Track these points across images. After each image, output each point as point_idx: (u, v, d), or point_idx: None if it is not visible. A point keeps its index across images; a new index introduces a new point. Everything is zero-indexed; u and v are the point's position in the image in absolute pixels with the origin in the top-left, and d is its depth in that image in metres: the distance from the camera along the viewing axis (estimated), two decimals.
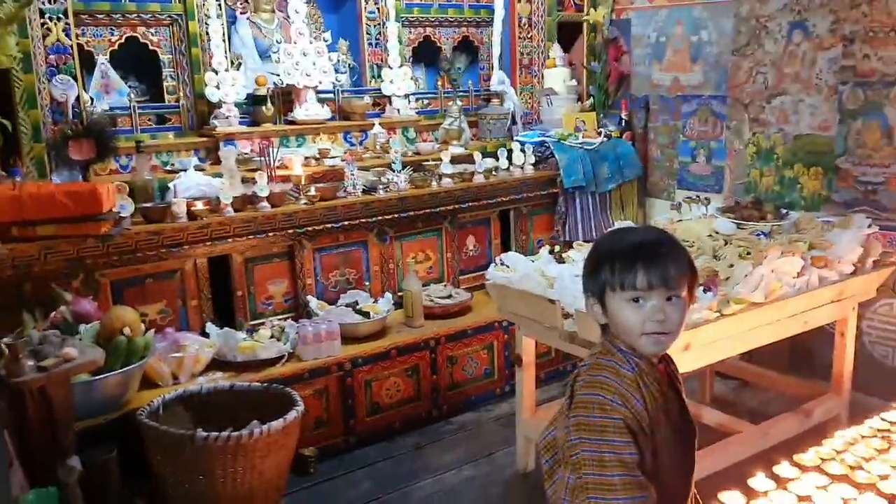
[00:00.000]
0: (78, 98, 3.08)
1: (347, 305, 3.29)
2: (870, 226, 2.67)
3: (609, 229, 1.35)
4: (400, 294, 3.45)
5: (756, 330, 2.32)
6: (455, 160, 3.81)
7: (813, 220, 2.72)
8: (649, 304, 1.22)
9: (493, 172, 3.85)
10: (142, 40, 3.47)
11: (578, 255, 2.71)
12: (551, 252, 2.84)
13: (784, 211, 2.88)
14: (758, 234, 2.54)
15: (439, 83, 4.61)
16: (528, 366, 2.80)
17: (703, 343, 2.15)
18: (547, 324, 2.46)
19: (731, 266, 2.27)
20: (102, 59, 3.41)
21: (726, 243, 2.43)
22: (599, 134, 4.16)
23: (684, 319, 1.26)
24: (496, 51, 4.36)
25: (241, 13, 3.96)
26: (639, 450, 1.21)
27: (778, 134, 3.55)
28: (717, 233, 2.49)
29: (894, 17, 3.07)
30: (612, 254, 1.26)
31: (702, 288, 2.28)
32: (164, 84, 3.56)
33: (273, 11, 4.04)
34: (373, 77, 4.14)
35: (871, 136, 3.19)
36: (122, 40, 3.43)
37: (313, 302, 3.25)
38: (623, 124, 4.23)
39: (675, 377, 1.36)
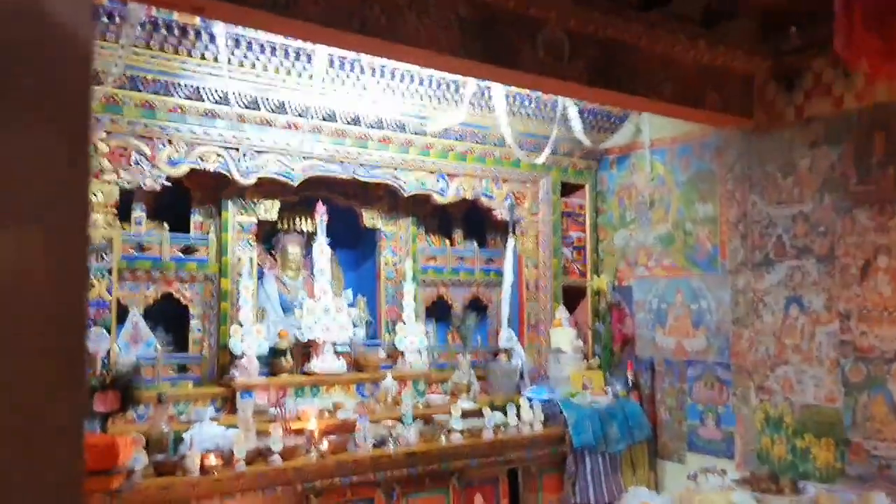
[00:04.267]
0: (108, 350, 3.20)
1: None
2: None
3: None
4: None
5: None
6: (464, 414, 3.84)
7: (832, 496, 2.70)
8: None
9: (502, 428, 3.86)
10: (175, 295, 3.68)
11: None
12: None
13: (801, 484, 2.87)
14: None
15: (450, 337, 4.78)
16: None
17: None
18: None
19: None
20: (135, 312, 3.58)
21: None
22: (606, 393, 4.23)
23: None
24: (505, 310, 4.59)
25: (268, 270, 4.22)
26: None
27: (785, 403, 3.62)
28: None
29: (885, 298, 3.29)
30: None
31: None
32: (191, 335, 3.71)
33: (298, 269, 4.31)
34: (387, 331, 4.32)
35: (878, 410, 3.26)
36: (158, 296, 3.63)
37: None
38: (629, 384, 4.32)
39: None
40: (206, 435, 3.12)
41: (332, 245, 4.04)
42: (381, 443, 3.47)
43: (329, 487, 3.23)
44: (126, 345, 3.52)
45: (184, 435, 3.10)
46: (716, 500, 2.53)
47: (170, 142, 3.35)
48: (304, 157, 3.72)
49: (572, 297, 4.72)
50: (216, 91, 3.35)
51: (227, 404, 3.56)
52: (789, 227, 3.68)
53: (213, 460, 2.96)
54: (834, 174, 3.52)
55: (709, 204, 4.12)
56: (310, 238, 4.17)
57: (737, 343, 3.88)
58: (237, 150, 3.54)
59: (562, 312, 4.58)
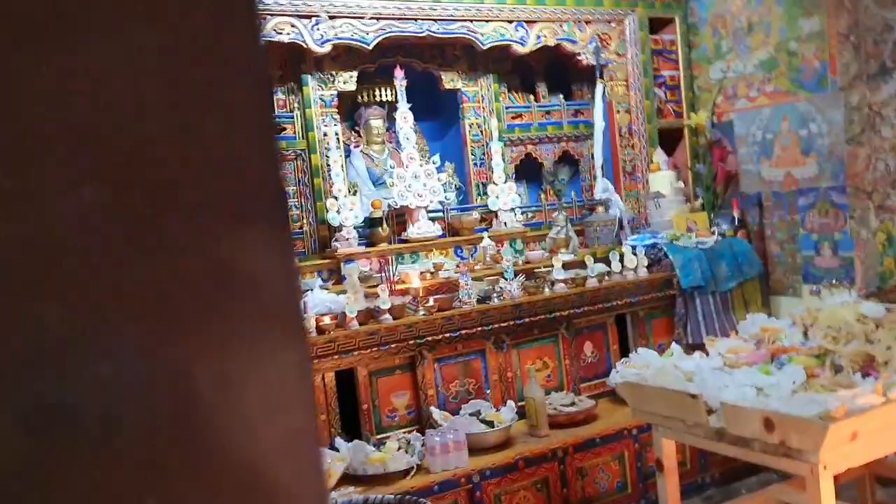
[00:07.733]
0: None
1: (471, 415, 3.24)
2: None
3: None
4: (520, 403, 3.38)
5: None
6: (566, 266, 3.81)
7: None
8: None
9: (606, 277, 3.81)
10: None
11: (713, 349, 2.60)
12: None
13: None
14: None
15: (542, 197, 4.69)
16: (670, 471, 2.63)
17: (872, 431, 1.98)
18: (689, 421, 2.33)
19: (889, 348, 2.12)
20: None
21: (878, 327, 2.29)
22: (713, 233, 4.09)
23: None
24: (598, 161, 4.43)
25: (354, 147, 4.22)
26: None
27: None
28: (865, 317, 2.35)
29: None
30: None
31: (860, 373, 2.14)
32: (290, 213, 3.79)
33: (383, 143, 4.29)
34: (479, 195, 4.28)
35: None
36: None
37: (436, 413, 3.22)
38: (736, 223, 4.15)
39: None
40: (319, 300, 3.23)
41: (415, 116, 3.97)
42: (485, 298, 3.50)
43: (440, 342, 3.31)
44: None
45: None
46: (842, 314, 2.42)
47: None
48: (376, 19, 3.61)
49: (669, 140, 4.51)
50: None
51: (333, 275, 3.66)
52: None
53: (327, 322, 3.06)
54: None
55: (814, 17, 3.77)
56: (391, 109, 4.11)
57: (852, 164, 3.63)
58: (309, 18, 3.47)
59: (659, 156, 4.40)
